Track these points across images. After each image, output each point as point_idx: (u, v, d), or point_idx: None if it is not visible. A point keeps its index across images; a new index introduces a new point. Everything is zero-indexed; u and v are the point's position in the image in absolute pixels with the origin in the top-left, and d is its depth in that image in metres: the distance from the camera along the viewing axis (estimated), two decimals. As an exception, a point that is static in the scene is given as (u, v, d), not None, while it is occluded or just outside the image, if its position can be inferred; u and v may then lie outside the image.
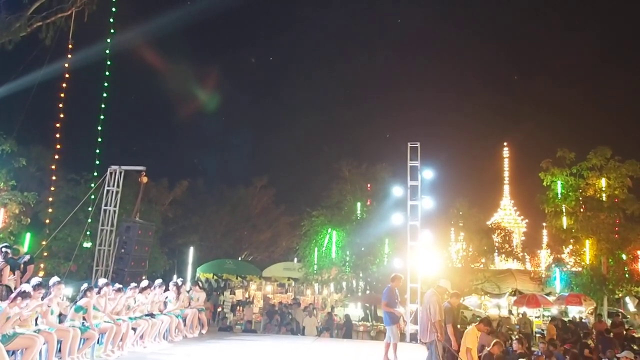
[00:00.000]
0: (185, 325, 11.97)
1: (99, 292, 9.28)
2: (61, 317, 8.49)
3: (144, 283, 10.94)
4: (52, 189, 20.24)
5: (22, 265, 11.21)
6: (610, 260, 22.11)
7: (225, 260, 29.91)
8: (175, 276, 22.97)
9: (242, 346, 11.90)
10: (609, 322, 18.69)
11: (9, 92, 18.75)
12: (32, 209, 19.10)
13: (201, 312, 12.63)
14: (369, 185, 24.19)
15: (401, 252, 16.13)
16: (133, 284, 10.54)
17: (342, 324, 17.98)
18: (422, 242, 14.19)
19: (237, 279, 28.95)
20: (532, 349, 14.39)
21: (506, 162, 47.00)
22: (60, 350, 7.77)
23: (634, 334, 18.06)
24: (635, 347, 13.91)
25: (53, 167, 19.99)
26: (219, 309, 21.89)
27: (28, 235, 17.71)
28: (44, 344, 7.37)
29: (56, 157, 19.78)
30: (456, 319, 9.89)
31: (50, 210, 19.86)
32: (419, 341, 13.17)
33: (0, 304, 7.10)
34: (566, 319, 20.05)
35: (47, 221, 19.61)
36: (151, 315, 10.51)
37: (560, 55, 64.44)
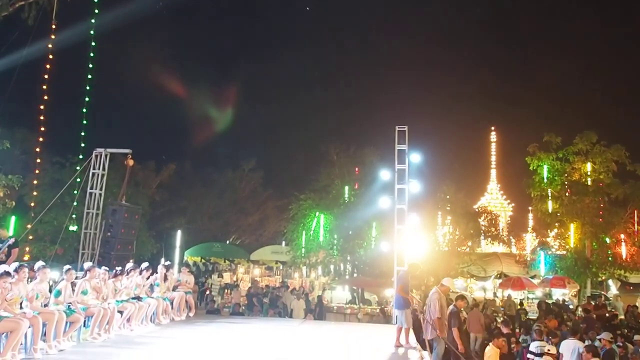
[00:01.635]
0: (172, 308, 11.98)
1: (85, 276, 9.27)
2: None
3: (129, 266, 10.91)
4: (37, 172, 20.00)
5: (6, 249, 11.14)
6: (594, 243, 22.43)
7: (213, 243, 29.91)
8: (163, 259, 22.94)
9: (229, 329, 11.95)
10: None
11: (-8, 73, 18.41)
12: (17, 192, 18.87)
13: (188, 295, 12.65)
14: (356, 169, 24.22)
15: (388, 235, 16.23)
16: (119, 268, 10.51)
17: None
18: (409, 225, 14.25)
19: (224, 262, 28.98)
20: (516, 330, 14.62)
21: (493, 147, 47.23)
22: (45, 334, 7.74)
23: (616, 315, 18.42)
24: (618, 332, 14.15)
25: (38, 149, 19.72)
26: (207, 292, 21.94)
27: (13, 219, 17.53)
28: (29, 327, 7.33)
29: (41, 139, 19.51)
30: (462, 323, 9.98)
31: (35, 193, 19.64)
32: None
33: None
34: (550, 302, 20.33)
35: (33, 204, 19.40)
36: (138, 298, 10.51)
37: (549, 39, 64.58)
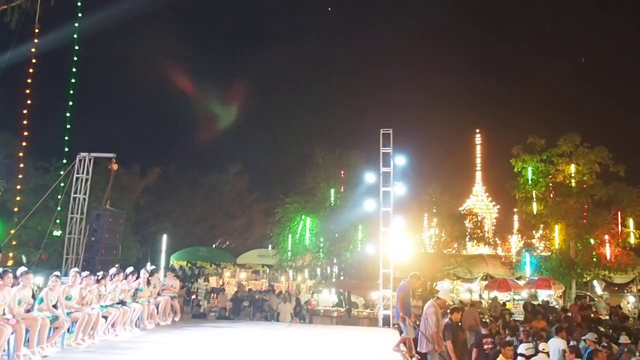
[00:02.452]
0: (157, 312, 11.91)
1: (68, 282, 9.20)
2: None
3: (112, 270, 10.83)
4: (21, 176, 19.80)
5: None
6: (578, 244, 22.62)
7: (199, 247, 29.75)
8: (148, 264, 22.79)
9: (215, 333, 11.91)
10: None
11: (-26, 77, 18.21)
12: (1, 197, 18.70)
13: (174, 299, 12.59)
14: (342, 172, 24.26)
15: (374, 238, 16.29)
16: (101, 273, 10.43)
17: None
18: (394, 228, 14.32)
19: (211, 266, 28.83)
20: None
21: (478, 149, 47.59)
22: (29, 340, 7.66)
23: (600, 317, 18.63)
24: (601, 329, 14.31)
25: (21, 154, 19.53)
26: (193, 297, 21.83)
27: (-4, 224, 17.37)
28: (12, 333, 7.25)
29: (24, 144, 19.33)
30: (457, 336, 9.97)
31: (18, 198, 19.42)
32: (391, 325, 13.43)
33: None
34: (535, 302, 20.50)
35: (16, 209, 19.18)
36: (122, 303, 10.43)
37: (534, 41, 65.28)
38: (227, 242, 37.86)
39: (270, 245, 26.74)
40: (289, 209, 22.89)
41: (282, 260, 23.46)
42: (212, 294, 23.08)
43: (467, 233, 23.83)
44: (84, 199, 16.52)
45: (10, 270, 7.89)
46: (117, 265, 14.75)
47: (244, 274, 28.85)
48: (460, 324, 10.59)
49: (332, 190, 23.60)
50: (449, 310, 10.40)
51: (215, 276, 28.26)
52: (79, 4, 19.35)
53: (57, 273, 9.12)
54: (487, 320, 12.97)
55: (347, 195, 22.80)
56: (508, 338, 12.25)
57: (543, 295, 22.64)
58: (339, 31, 69.98)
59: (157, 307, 11.90)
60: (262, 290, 23.84)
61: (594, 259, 22.60)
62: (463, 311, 14.50)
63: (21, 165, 19.66)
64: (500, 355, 9.64)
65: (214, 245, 34.63)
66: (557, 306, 20.81)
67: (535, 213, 23.24)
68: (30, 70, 18.51)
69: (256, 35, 65.43)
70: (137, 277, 11.46)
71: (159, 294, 12.26)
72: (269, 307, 18.86)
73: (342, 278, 23.37)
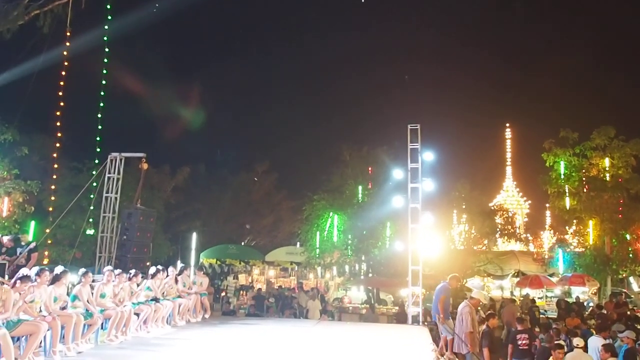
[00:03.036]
0: (188, 310, 12.06)
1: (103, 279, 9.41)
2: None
3: (152, 269, 11.01)
4: (55, 177, 20.32)
5: (26, 253, 11.35)
6: (613, 240, 22.14)
7: (228, 245, 30.03)
8: (178, 262, 23.12)
9: (244, 330, 12.00)
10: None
11: (9, 81, 18.71)
12: (36, 197, 19.18)
13: (204, 296, 12.73)
14: (369, 169, 24.18)
15: (402, 234, 16.16)
16: (133, 270, 10.61)
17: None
18: (423, 224, 14.19)
19: (240, 263, 29.08)
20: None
21: (508, 143, 46.82)
22: (64, 336, 7.85)
23: (637, 314, 18.13)
24: (638, 327, 13.94)
25: (55, 155, 20.05)
26: (223, 294, 22.06)
27: (32, 224, 17.82)
28: (48, 330, 7.44)
29: (58, 145, 19.85)
30: (495, 344, 9.86)
31: (53, 198, 19.94)
32: (420, 323, 13.34)
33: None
34: (569, 300, 20.11)
35: (51, 209, 19.70)
36: (155, 300, 10.59)
37: (565, 32, 63.87)
38: (256, 240, 38.15)
39: (298, 243, 26.84)
40: (317, 207, 22.93)
41: (311, 258, 23.52)
42: (242, 292, 23.29)
43: (498, 229, 23.48)
44: (116, 198, 16.82)
45: (46, 268, 8.09)
46: (148, 263, 15.03)
47: (273, 271, 29.02)
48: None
49: (360, 187, 23.55)
50: (484, 316, 10.27)
51: (244, 274, 28.48)
52: (108, 6, 19.73)
53: (84, 269, 9.30)
54: (522, 317, 12.80)
55: (375, 192, 22.73)
56: (540, 336, 12.09)
57: (577, 292, 22.19)
58: (366, 27, 69.59)
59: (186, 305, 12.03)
60: (291, 287, 23.94)
61: (630, 255, 22.09)
62: (499, 315, 14.52)
63: (55, 166, 20.18)
64: (551, 357, 9.45)
65: (242, 243, 34.94)
66: (591, 303, 20.38)
67: (568, 208, 22.82)
68: (63, 73, 18.97)
69: (282, 31, 65.59)
70: (167, 275, 11.63)
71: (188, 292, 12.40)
72: (298, 305, 18.94)
73: (370, 275, 23.31)
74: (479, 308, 18.60)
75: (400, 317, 16.00)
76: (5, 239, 11.18)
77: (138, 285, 10.42)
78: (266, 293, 21.38)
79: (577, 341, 9.36)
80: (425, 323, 13.52)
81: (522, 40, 68.21)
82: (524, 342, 10.25)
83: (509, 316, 14.36)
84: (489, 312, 10.26)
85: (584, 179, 22.64)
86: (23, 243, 11.75)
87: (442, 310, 9.63)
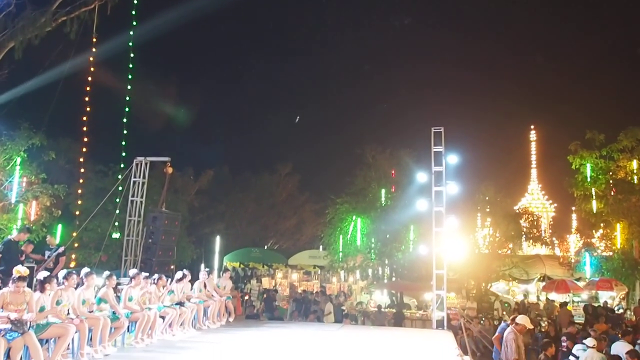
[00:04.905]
0: (212, 313, 12.12)
1: (130, 283, 9.50)
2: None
3: (179, 274, 11.09)
4: (81, 181, 20.69)
5: (54, 257, 11.53)
6: (642, 244, 21.64)
7: (251, 248, 30.17)
8: (202, 265, 23.29)
9: (268, 333, 12.01)
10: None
11: (37, 86, 19.11)
12: (63, 201, 19.51)
13: (228, 300, 12.78)
14: (393, 172, 24.07)
15: (426, 238, 16.05)
16: (156, 275, 10.68)
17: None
18: (447, 228, 14.05)
19: (263, 267, 29.19)
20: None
21: (533, 146, 46.24)
22: (91, 339, 7.95)
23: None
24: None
25: (81, 159, 20.43)
26: (246, 297, 22.13)
27: (59, 227, 18.13)
28: (76, 332, 7.55)
29: (84, 149, 20.21)
30: None
31: (79, 202, 20.29)
32: (445, 327, 13.20)
33: (36, 294, 7.31)
34: (596, 305, 19.72)
35: (77, 213, 20.04)
36: (180, 304, 10.67)
37: (589, 31, 62.78)
38: (279, 243, 38.26)
39: (321, 246, 26.84)
40: (340, 210, 22.90)
41: (334, 261, 23.49)
42: (265, 295, 23.32)
43: (523, 233, 23.19)
44: (141, 201, 17.00)
45: (74, 271, 8.20)
46: (172, 267, 15.17)
47: (296, 275, 29.04)
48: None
49: (383, 190, 23.47)
50: (540, 345, 10.05)
51: (267, 277, 28.56)
52: (133, 12, 20.02)
53: (109, 272, 9.40)
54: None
55: (399, 195, 22.62)
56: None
57: (604, 297, 21.76)
58: (391, 29, 69.34)
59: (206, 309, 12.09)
60: (314, 291, 23.92)
61: (660, 259, 21.55)
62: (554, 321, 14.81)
63: (82, 170, 20.54)
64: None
65: (265, 247, 35.05)
66: (621, 308, 19.96)
67: (595, 211, 22.37)
68: (89, 78, 19.30)
69: (306, 32, 65.72)
70: (194, 279, 11.74)
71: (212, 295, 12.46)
72: (320, 309, 18.89)
73: (394, 279, 23.18)
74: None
75: (424, 321, 15.88)
76: (17, 234, 11.21)
77: (163, 288, 10.52)
78: (290, 297, 21.38)
79: (590, 342, 9.22)
80: (450, 328, 13.41)
81: (547, 41, 67.31)
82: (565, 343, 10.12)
83: (566, 318, 15.10)
84: (546, 340, 10.02)
85: (611, 181, 22.19)
86: (51, 247, 11.95)
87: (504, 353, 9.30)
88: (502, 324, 9.83)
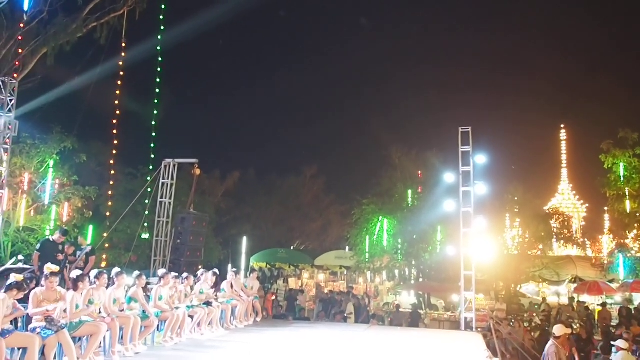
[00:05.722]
0: (240, 313, 12.20)
1: (159, 282, 9.64)
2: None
3: (200, 272, 11.22)
4: (111, 183, 21.11)
5: (84, 256, 11.76)
6: (678, 245, 21.08)
7: (278, 249, 30.27)
8: (230, 265, 23.46)
9: (295, 333, 12.04)
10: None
11: (69, 91, 19.60)
12: (94, 203, 19.95)
13: (256, 300, 12.85)
14: (419, 172, 23.90)
15: (454, 239, 15.89)
16: (185, 274, 10.81)
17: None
18: (475, 228, 13.88)
19: (289, 267, 29.26)
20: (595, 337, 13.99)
21: (563, 145, 45.40)
22: (122, 337, 8.10)
23: None
24: None
25: (112, 162, 20.85)
26: (273, 297, 22.22)
27: (91, 228, 18.51)
28: (107, 331, 7.69)
29: (114, 152, 20.62)
30: None
31: (110, 203, 20.69)
32: (474, 329, 13.05)
33: (69, 292, 7.48)
34: (631, 307, 19.24)
35: (108, 214, 20.44)
36: (208, 303, 10.78)
37: (623, 31, 61.34)
38: (305, 244, 38.31)
39: (347, 247, 26.79)
40: (366, 211, 22.82)
41: (360, 262, 23.41)
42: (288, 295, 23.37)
43: (553, 233, 22.80)
44: (170, 203, 17.22)
45: (105, 271, 8.37)
46: (200, 267, 15.30)
47: (322, 275, 29.03)
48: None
49: (410, 191, 23.31)
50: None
51: (294, 277, 28.62)
52: (161, 17, 20.35)
53: (138, 272, 9.54)
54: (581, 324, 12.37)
55: (425, 196, 22.43)
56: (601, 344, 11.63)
57: (639, 299, 21.22)
58: (417, 29, 68.96)
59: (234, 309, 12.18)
60: (341, 291, 23.88)
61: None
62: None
63: (112, 172, 20.96)
64: None
65: (292, 247, 35.14)
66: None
67: (628, 211, 21.90)
68: (119, 83, 19.68)
69: (331, 33, 65.65)
70: (223, 279, 11.85)
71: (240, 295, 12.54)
72: (342, 309, 18.86)
73: (421, 280, 23.00)
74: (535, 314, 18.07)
75: (452, 323, 15.72)
76: (57, 235, 11.43)
77: (192, 288, 10.65)
78: (316, 297, 21.39)
79: (621, 343, 9.00)
80: (478, 330, 13.24)
81: (578, 39, 66.01)
82: None
83: (607, 316, 16.04)
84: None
85: (645, 181, 21.67)
86: (82, 247, 12.19)
87: None
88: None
